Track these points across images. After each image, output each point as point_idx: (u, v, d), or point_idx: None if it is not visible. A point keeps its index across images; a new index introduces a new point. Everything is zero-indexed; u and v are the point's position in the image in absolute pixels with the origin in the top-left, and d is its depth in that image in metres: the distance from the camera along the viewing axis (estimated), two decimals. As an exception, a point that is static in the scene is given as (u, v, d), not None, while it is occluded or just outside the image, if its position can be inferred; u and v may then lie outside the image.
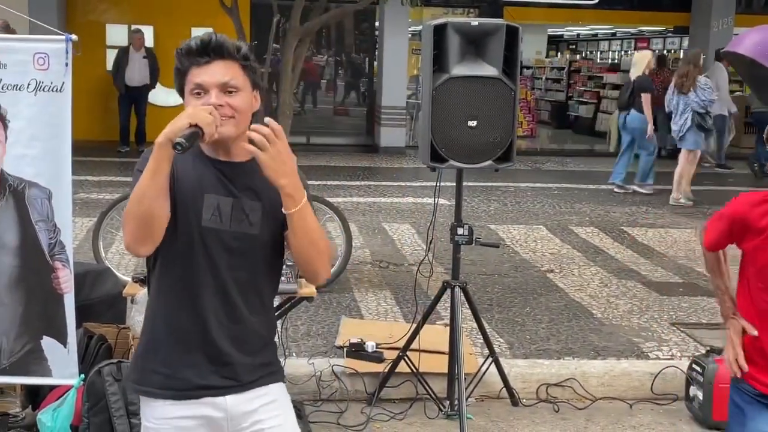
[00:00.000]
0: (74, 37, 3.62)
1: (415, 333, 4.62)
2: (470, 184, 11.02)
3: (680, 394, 4.83)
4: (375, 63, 15.67)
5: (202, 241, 2.26)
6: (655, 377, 4.92)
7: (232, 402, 2.31)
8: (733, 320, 2.84)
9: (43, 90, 3.63)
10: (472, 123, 4.32)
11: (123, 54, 13.61)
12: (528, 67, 24.99)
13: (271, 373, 2.40)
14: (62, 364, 3.86)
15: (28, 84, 3.66)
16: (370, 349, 4.90)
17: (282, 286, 4.16)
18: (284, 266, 4.27)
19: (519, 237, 8.51)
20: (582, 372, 5.00)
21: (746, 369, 2.75)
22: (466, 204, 10.10)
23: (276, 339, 2.49)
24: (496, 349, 4.97)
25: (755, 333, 2.74)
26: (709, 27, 15.30)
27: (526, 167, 13.91)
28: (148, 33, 14.16)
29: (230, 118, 2.21)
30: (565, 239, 8.49)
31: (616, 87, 19.30)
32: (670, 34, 21.27)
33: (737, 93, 17.23)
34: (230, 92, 2.22)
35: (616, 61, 23.38)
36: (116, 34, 14.44)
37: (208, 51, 2.21)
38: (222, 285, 2.28)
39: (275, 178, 2.14)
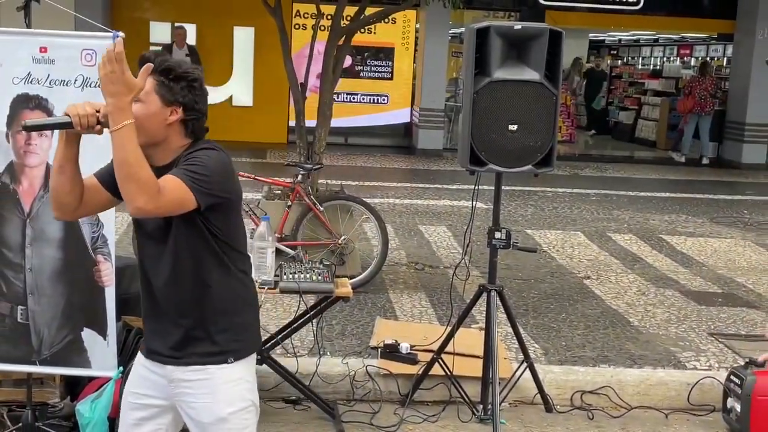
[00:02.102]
0: (121, 34, 3.65)
1: (450, 336, 4.61)
2: (507, 188, 10.96)
3: (717, 405, 4.76)
4: (414, 65, 15.67)
5: (139, 227, 2.64)
6: (692, 388, 4.86)
7: (171, 370, 2.62)
8: None
9: (90, 86, 3.68)
10: (513, 127, 4.30)
11: (166, 51, 13.77)
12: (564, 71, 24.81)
13: (211, 353, 2.59)
14: (102, 356, 3.91)
15: (75, 80, 3.71)
16: (404, 351, 4.91)
17: (318, 286, 4.20)
18: (321, 266, 4.32)
19: (556, 242, 8.46)
20: (618, 380, 4.95)
21: None
22: (503, 208, 9.96)
23: (241, 320, 2.65)
24: (531, 355, 4.94)
25: None
26: (755, 34, 15.06)
27: (564, 172, 13.82)
28: (191, 31, 14.31)
29: None
30: (603, 246, 8.42)
31: (657, 93, 19.14)
32: (713, 42, 20.99)
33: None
34: (136, 101, 2.42)
35: (657, 67, 23.14)
36: (160, 32, 14.60)
37: (139, 64, 2.46)
38: (162, 264, 2.57)
39: (104, 94, 2.34)
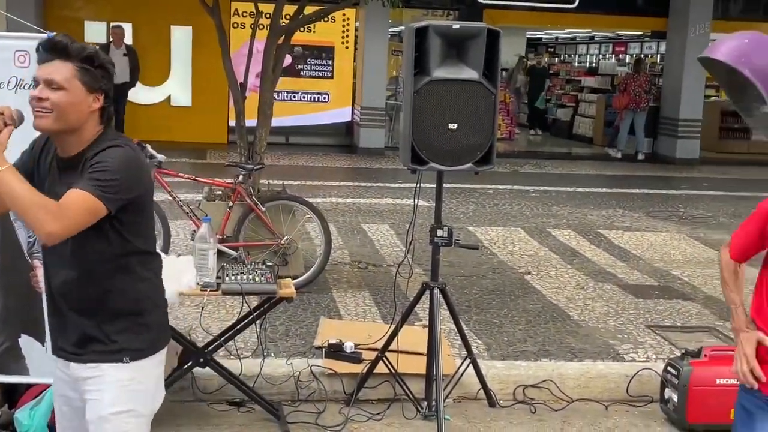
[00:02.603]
0: (53, 34, 3.60)
1: (394, 334, 4.64)
2: (449, 185, 11.01)
3: (655, 396, 4.88)
4: (355, 63, 15.68)
5: None
6: (631, 379, 4.97)
7: (74, 367, 2.64)
8: (746, 333, 2.82)
9: (24, 88, 3.62)
10: (453, 126, 4.34)
11: (103, 51, 13.53)
12: (506, 69, 25.09)
13: (107, 352, 2.60)
14: (40, 362, 3.83)
15: (9, 81, 3.64)
16: (348, 350, 4.92)
17: (261, 287, 4.18)
18: (263, 267, 4.30)
19: (497, 239, 8.55)
20: (559, 374, 5.03)
21: (764, 379, 2.75)
22: (444, 206, 10.09)
23: (144, 321, 2.65)
24: (474, 351, 5.00)
25: None
26: (686, 32, 15.43)
27: (504, 170, 13.98)
28: (127, 30, 14.09)
29: (48, 113, 2.46)
30: (543, 241, 8.55)
31: (593, 91, 19.49)
32: (647, 39, 21.47)
33: (713, 98, 17.43)
34: (54, 89, 2.45)
35: (594, 64, 23.58)
36: (95, 31, 14.34)
37: (51, 50, 2.48)
38: (61, 265, 2.58)
39: None
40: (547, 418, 4.72)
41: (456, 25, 4.32)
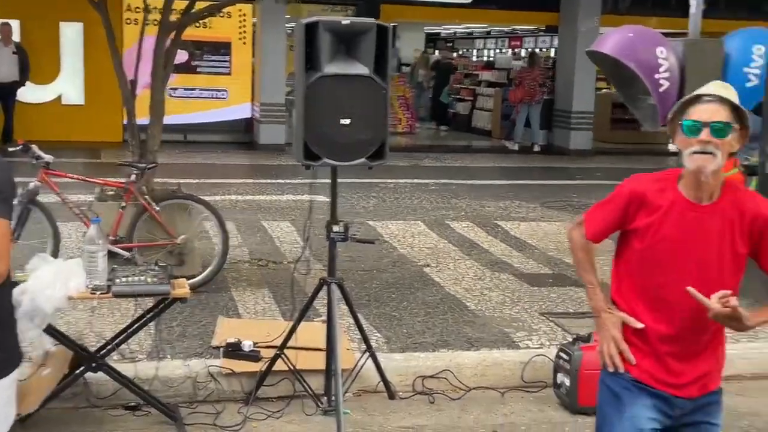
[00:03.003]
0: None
1: (292, 331, 4.62)
2: (349, 180, 11.06)
3: (549, 381, 5.01)
4: (253, 59, 15.53)
5: None
6: (525, 366, 5.09)
7: None
8: (609, 315, 2.82)
9: None
10: (345, 121, 4.34)
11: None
12: (406, 65, 25.27)
13: None
14: None
15: None
16: (246, 349, 4.87)
17: (153, 288, 4.10)
18: (156, 268, 4.23)
19: (397, 233, 8.62)
20: (456, 363, 5.12)
21: (633, 361, 2.77)
22: (345, 200, 10.18)
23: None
24: (374, 344, 5.03)
25: (639, 325, 2.75)
26: (577, 26, 15.87)
27: (405, 163, 14.09)
28: (15, 28, 13.57)
29: None
30: (442, 234, 8.66)
31: (490, 84, 19.83)
32: (541, 34, 21.98)
33: (604, 90, 17.98)
34: None
35: (491, 58, 23.99)
36: (-21, 28, 13.76)
37: None
38: None
39: None
40: (445, 407, 4.80)
41: (346, 21, 4.33)
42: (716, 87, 2.73)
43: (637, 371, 2.79)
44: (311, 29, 4.26)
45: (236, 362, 4.81)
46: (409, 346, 5.34)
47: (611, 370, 2.82)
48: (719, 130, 2.62)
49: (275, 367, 4.67)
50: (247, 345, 4.89)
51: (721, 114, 2.64)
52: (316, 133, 4.33)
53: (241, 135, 15.59)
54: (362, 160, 4.46)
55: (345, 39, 4.31)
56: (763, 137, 6.67)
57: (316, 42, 4.26)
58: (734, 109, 2.66)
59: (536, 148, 16.44)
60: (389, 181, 11.75)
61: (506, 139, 17.24)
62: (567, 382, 4.74)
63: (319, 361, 4.68)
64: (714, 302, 2.58)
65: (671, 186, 2.74)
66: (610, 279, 2.92)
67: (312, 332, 5.02)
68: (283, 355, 4.62)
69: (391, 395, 4.81)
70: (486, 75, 20.51)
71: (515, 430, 4.56)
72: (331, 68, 4.27)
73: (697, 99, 2.68)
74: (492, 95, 19.18)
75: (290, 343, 4.65)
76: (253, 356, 4.84)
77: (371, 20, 4.36)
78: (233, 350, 4.87)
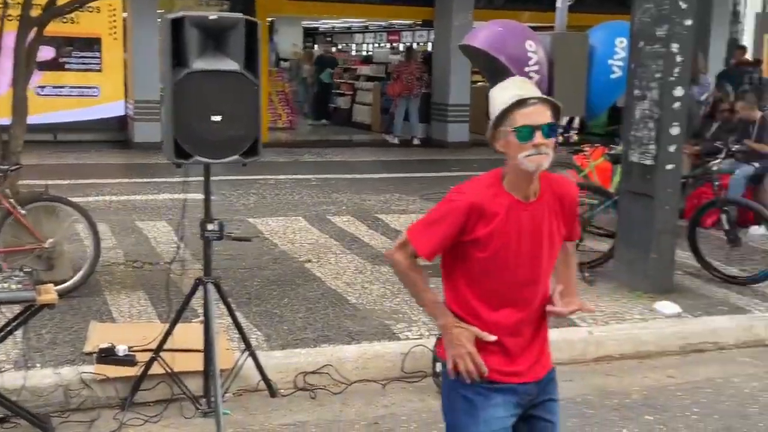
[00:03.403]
0: None
1: (168, 333, 4.53)
2: (229, 178, 10.96)
3: (428, 370, 5.09)
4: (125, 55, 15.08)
5: None
6: (405, 357, 5.16)
7: None
8: (461, 330, 2.78)
9: None
10: (216, 118, 4.28)
11: None
12: (285, 59, 25.13)
13: None
14: None
15: None
16: (121, 353, 4.74)
17: (17, 295, 3.95)
18: (20, 273, 4.06)
19: (278, 229, 8.57)
20: (337, 357, 5.13)
21: (487, 372, 2.78)
22: (224, 198, 10.06)
23: None
24: (254, 342, 4.99)
25: (492, 338, 2.77)
26: (451, 21, 16.14)
27: (285, 159, 14.03)
28: None
29: None
30: (323, 229, 8.66)
31: (369, 79, 19.95)
32: (418, 28, 22.23)
33: (480, 83, 18.37)
34: None
35: (370, 53, 24.12)
36: None
37: None
38: None
39: None
40: (327, 402, 4.81)
41: (213, 16, 4.26)
42: (524, 85, 2.78)
43: (493, 373, 2.80)
44: (177, 24, 4.17)
45: (110, 368, 4.67)
46: (290, 343, 5.32)
47: (469, 382, 2.80)
48: (548, 130, 2.69)
49: (152, 371, 4.56)
50: (121, 349, 4.76)
51: (547, 115, 2.71)
52: (186, 130, 4.25)
53: (114, 133, 15.13)
54: (235, 157, 4.41)
55: (213, 34, 4.24)
56: (625, 127, 6.96)
57: (183, 37, 4.18)
58: (553, 106, 2.73)
59: (416, 141, 16.66)
60: (269, 177, 11.67)
61: (386, 132, 17.38)
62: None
63: (197, 362, 4.60)
64: (563, 308, 2.86)
65: (500, 190, 2.76)
66: (442, 290, 2.88)
67: (189, 333, 4.93)
68: (159, 358, 4.52)
69: (272, 393, 4.78)
70: (365, 69, 20.65)
71: (396, 421, 4.61)
72: (199, 64, 4.19)
73: (522, 103, 2.71)
74: (371, 89, 19.30)
75: (167, 346, 4.55)
76: (128, 361, 4.71)
77: (239, 15, 4.31)
78: (107, 355, 4.73)
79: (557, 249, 2.86)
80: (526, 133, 2.68)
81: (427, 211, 2.86)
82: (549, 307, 2.86)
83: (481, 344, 2.80)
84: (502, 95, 2.76)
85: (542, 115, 2.70)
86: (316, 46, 25.91)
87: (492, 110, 2.80)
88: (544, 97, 2.74)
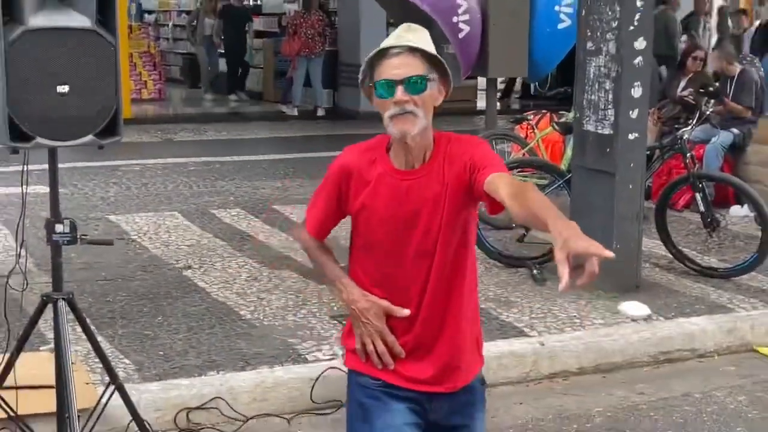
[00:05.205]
0: None
1: (9, 365, 4.44)
2: (82, 164, 10.82)
3: (344, 399, 5.10)
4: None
5: None
6: (315, 382, 5.18)
7: None
8: (369, 304, 2.96)
9: None
10: (63, 89, 4.20)
11: None
12: (150, 12, 24.83)
13: None
14: None
15: None
16: (-52, 394, 4.63)
17: None
18: None
19: (148, 228, 8.50)
20: (229, 387, 5.13)
21: (403, 354, 2.97)
22: (77, 191, 9.93)
23: None
24: (121, 374, 4.95)
25: (405, 312, 2.94)
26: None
27: (154, 139, 13.90)
28: None
29: None
30: (206, 226, 8.63)
31: (259, 34, 19.85)
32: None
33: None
34: None
35: (258, 2, 23.97)
36: None
37: None
38: None
39: None
40: (218, 445, 4.81)
41: (54, -43, 4.18)
42: (402, 33, 2.91)
43: (384, 373, 2.98)
44: (8, -32, 4.08)
45: (-66, 414, 4.56)
46: (168, 372, 5.29)
47: (380, 367, 2.97)
48: (414, 84, 2.82)
49: (-10, 415, 4.48)
50: (-52, 390, 4.65)
51: (415, 67, 2.84)
52: (25, 105, 4.16)
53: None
54: (89, 137, 4.33)
55: (55, -19, 4.17)
56: (576, 89, 7.11)
57: (16, -15, 4.10)
58: (429, 57, 2.86)
59: (320, 112, 16.71)
60: (134, 162, 11.58)
61: (283, 102, 17.35)
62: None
63: (48, 402, 4.54)
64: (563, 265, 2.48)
65: (380, 155, 2.95)
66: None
67: (37, 365, 4.87)
68: (-1, 399, 4.44)
69: (147, 436, 4.75)
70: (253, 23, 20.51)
71: (306, 464, 4.64)
72: (38, 20, 4.10)
73: (384, 53, 2.85)
74: (261, 48, 19.21)
75: (7, 383, 4.47)
76: (-42, 404, 4.60)
77: (89, -44, 4.23)
78: (-71, 398, 4.62)
79: (452, 228, 2.91)
80: (385, 87, 2.83)
81: None
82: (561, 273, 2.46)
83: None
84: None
85: (408, 67, 2.83)
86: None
87: None
88: (414, 46, 2.84)
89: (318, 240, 3.13)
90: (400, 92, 2.81)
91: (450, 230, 2.91)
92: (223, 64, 19.52)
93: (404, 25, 2.96)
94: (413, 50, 2.84)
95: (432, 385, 2.98)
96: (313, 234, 3.11)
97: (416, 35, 2.89)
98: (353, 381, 3.09)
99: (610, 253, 2.46)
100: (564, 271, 2.42)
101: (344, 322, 6.02)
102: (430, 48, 2.88)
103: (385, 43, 2.89)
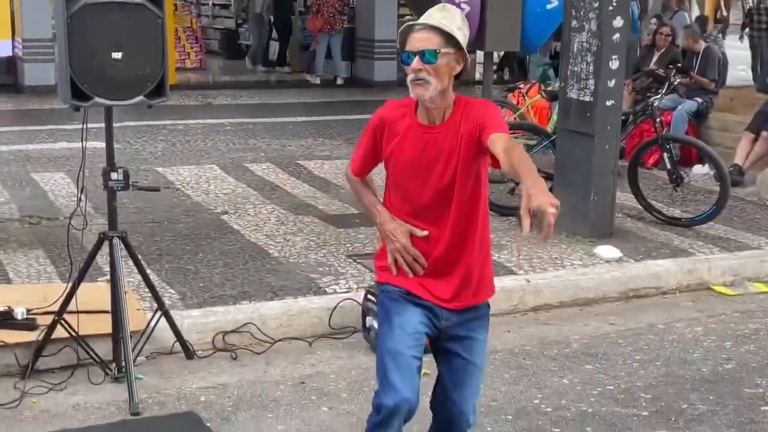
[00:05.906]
0: None
1: (72, 293, 4.47)
2: (133, 123, 10.77)
3: (358, 325, 5.16)
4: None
5: None
6: (332, 312, 5.21)
7: None
8: (397, 225, 3.14)
9: None
10: (117, 54, 4.21)
11: None
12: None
13: None
14: None
15: None
16: (20, 317, 4.67)
17: None
18: None
19: (190, 179, 8.48)
20: (259, 315, 5.15)
21: (426, 266, 3.13)
22: (129, 146, 9.91)
23: None
24: (167, 301, 4.98)
25: (423, 233, 3.11)
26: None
27: (196, 102, 13.84)
28: None
29: None
30: (240, 178, 8.61)
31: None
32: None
33: (408, 17, 18.30)
34: None
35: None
36: None
37: None
38: None
39: None
40: (249, 362, 4.84)
41: (109, -59, 4.14)
42: (433, 12, 3.05)
43: (407, 282, 3.15)
44: (70, -50, 4.06)
45: (8, 332, 4.59)
46: (207, 301, 5.31)
47: (411, 276, 3.14)
48: (429, 56, 2.96)
49: (55, 335, 4.50)
50: (19, 312, 4.69)
51: (432, 41, 2.99)
52: (84, 68, 4.16)
53: (2, 76, 14.65)
54: (140, 98, 4.35)
55: (111, -40, 4.14)
56: (562, 61, 7.05)
57: (76, -35, 4.07)
58: (445, 34, 2.99)
59: (339, 81, 16.57)
60: (179, 122, 11.53)
61: (307, 72, 17.23)
62: (376, 324, 4.89)
63: (104, 324, 4.57)
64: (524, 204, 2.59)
65: (410, 112, 3.11)
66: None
67: (95, 294, 4.89)
68: (62, 321, 4.47)
69: (189, 355, 4.79)
70: (281, 2, 20.26)
71: (324, 380, 4.67)
72: (96, -5, 4.09)
73: (411, 28, 3.03)
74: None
75: (70, 308, 4.49)
76: (28, 324, 4.64)
77: (139, -61, 4.20)
78: (4, 320, 4.66)
79: (466, 174, 3.07)
80: (405, 57, 3.01)
81: None
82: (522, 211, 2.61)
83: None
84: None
85: (426, 41, 2.99)
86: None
87: None
88: (433, 24, 2.99)
89: (360, 177, 3.31)
90: (416, 62, 2.97)
91: (465, 175, 3.06)
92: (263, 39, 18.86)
93: (439, 5, 3.11)
94: (433, 28, 2.98)
95: (445, 302, 3.14)
96: (355, 173, 3.30)
97: (445, 14, 3.04)
98: (381, 291, 3.23)
99: (552, 211, 2.54)
100: (525, 222, 2.58)
101: (358, 261, 6.09)
102: (451, 26, 3.00)
103: (421, 19, 3.03)
